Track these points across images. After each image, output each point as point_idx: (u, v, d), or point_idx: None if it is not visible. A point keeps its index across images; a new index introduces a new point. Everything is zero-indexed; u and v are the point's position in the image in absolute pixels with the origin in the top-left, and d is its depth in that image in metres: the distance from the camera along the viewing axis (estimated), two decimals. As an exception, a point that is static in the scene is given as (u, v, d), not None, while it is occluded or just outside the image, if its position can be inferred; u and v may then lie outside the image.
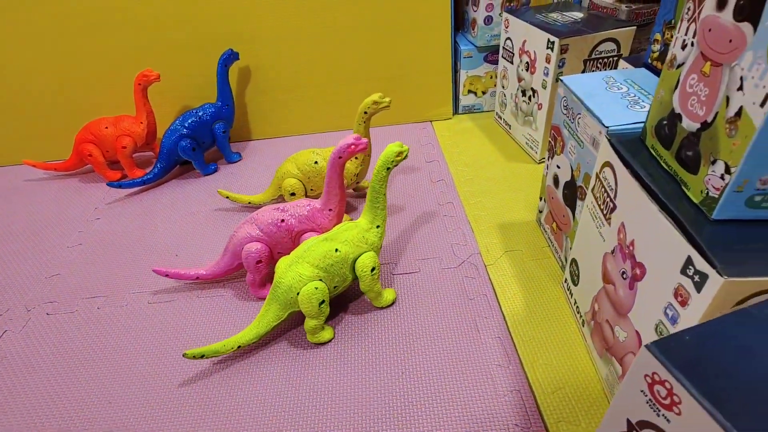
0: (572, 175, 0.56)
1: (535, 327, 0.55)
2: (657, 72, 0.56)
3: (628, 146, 0.43)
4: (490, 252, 0.67)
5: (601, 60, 0.75)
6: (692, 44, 0.35)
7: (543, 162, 0.85)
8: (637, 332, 0.40)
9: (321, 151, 0.72)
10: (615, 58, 0.76)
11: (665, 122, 0.39)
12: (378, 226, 0.57)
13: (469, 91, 1.02)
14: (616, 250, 0.43)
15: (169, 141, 0.84)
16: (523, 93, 0.86)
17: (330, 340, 0.56)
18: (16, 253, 0.75)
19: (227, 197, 0.77)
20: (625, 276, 0.41)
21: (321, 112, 1.01)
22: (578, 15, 0.80)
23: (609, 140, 0.45)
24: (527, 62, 0.82)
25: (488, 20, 0.92)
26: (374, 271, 0.55)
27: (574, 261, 0.55)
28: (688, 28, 0.36)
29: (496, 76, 1.01)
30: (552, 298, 0.59)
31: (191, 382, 0.53)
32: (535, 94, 0.82)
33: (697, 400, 0.22)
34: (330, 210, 0.61)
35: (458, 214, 0.75)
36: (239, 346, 0.53)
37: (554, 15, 0.82)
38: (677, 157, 0.37)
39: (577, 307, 0.54)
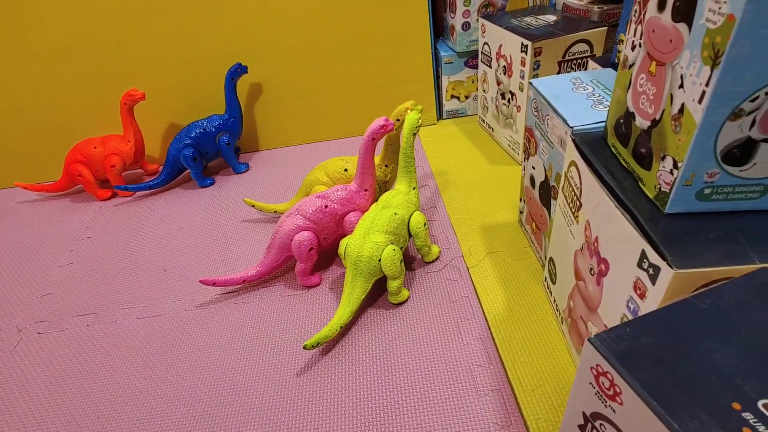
0: (546, 176, 0.57)
1: (517, 326, 0.56)
2: (624, 71, 0.57)
3: (591, 145, 0.44)
4: (472, 254, 0.68)
5: (574, 61, 0.77)
6: (640, 45, 0.37)
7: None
8: (606, 326, 0.41)
9: (350, 159, 0.74)
10: (588, 59, 0.77)
11: (622, 121, 0.40)
12: (414, 188, 0.63)
13: (452, 96, 1.04)
14: (584, 247, 0.44)
15: (174, 149, 0.87)
16: (503, 96, 0.87)
17: (408, 298, 0.61)
18: (8, 274, 0.76)
19: (253, 206, 0.78)
20: (592, 272, 0.42)
21: (310, 123, 1.02)
22: (552, 18, 0.81)
23: (573, 140, 0.46)
24: (504, 66, 0.83)
25: (466, 26, 0.94)
26: (426, 226, 0.62)
27: (551, 260, 0.56)
28: (636, 30, 0.37)
29: (477, 80, 1.02)
30: (533, 298, 0.60)
31: (181, 396, 0.54)
32: (514, 97, 0.83)
33: (634, 390, 0.22)
34: (366, 190, 0.65)
35: (442, 217, 0.76)
36: (341, 327, 0.56)
37: (528, 19, 0.83)
38: (633, 154, 0.39)
39: (557, 304, 0.55)
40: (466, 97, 1.04)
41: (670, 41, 0.32)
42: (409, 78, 1.00)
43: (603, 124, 0.47)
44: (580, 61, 0.77)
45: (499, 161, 0.89)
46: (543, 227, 0.61)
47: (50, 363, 0.59)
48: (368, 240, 0.57)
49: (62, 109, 0.94)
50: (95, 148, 0.87)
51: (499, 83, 0.87)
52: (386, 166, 0.72)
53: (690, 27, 0.30)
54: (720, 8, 0.27)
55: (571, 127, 0.47)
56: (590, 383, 0.26)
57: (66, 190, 0.94)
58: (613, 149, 0.43)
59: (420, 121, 0.63)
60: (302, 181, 0.77)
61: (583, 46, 0.75)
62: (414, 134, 0.62)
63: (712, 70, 0.28)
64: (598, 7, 0.81)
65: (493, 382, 0.50)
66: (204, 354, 0.58)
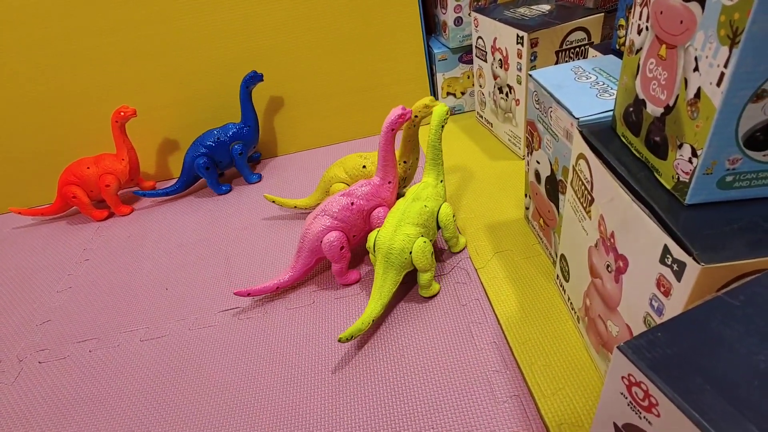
0: (552, 170, 0.55)
1: (531, 328, 0.54)
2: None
3: (600, 136, 0.42)
4: (479, 255, 0.66)
5: (572, 49, 0.75)
6: (647, 28, 0.35)
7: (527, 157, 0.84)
8: (627, 326, 0.39)
9: (368, 155, 0.73)
10: (586, 46, 0.75)
11: (631, 109, 0.39)
12: (442, 181, 0.63)
13: (448, 93, 1.02)
14: (599, 243, 0.42)
15: (189, 157, 0.87)
16: (500, 90, 0.85)
17: (439, 291, 0.61)
18: (5, 302, 0.74)
19: (273, 201, 0.78)
20: (610, 269, 0.40)
21: (310, 128, 1.00)
22: (546, 7, 0.80)
23: (581, 132, 0.44)
24: (500, 59, 0.82)
25: (458, 21, 0.92)
26: (454, 218, 0.62)
27: (563, 257, 0.54)
28: (641, 13, 0.36)
29: (473, 76, 1.00)
30: (546, 297, 0.58)
31: (189, 420, 0.52)
32: (512, 91, 0.81)
33: (673, 401, 0.21)
34: (389, 183, 0.65)
35: (446, 218, 0.74)
36: (372, 320, 0.56)
37: (522, 10, 0.81)
38: (647, 144, 0.37)
39: (571, 303, 0.53)
40: (463, 94, 1.02)
41: (681, 22, 0.30)
42: (404, 77, 0.98)
43: (610, 113, 0.45)
44: (578, 49, 0.75)
45: (500, 156, 0.87)
46: (551, 223, 0.59)
47: (53, 393, 0.58)
48: (399, 232, 0.57)
49: (51, 130, 0.92)
50: (88, 168, 0.86)
51: (495, 77, 0.86)
52: (405, 162, 0.70)
53: (703, 6, 0.28)
54: (736, -17, 0.25)
55: (577, 119, 0.45)
56: (621, 393, 0.24)
57: (61, 212, 0.92)
58: (623, 139, 0.41)
59: (448, 113, 0.63)
60: (320, 179, 0.76)
61: (581, 34, 0.73)
62: (442, 127, 0.62)
63: (731, 50, 0.26)
64: (592, -6, 0.80)
65: (511, 388, 0.48)
66: (211, 374, 0.56)
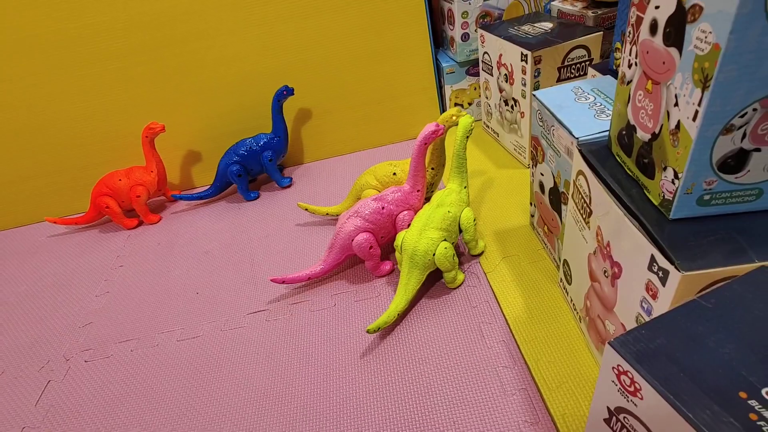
0: (555, 182, 0.60)
1: (537, 327, 0.59)
2: (622, 77, 0.60)
3: (597, 155, 0.47)
4: (488, 259, 0.71)
5: (573, 66, 0.80)
6: (636, 64, 0.40)
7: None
8: (623, 325, 0.44)
9: (398, 163, 0.79)
10: (586, 63, 0.80)
11: (624, 132, 0.43)
12: (465, 187, 0.68)
13: (456, 104, 1.07)
14: (597, 251, 0.47)
15: (223, 165, 0.94)
16: (506, 102, 0.90)
17: (463, 281, 0.67)
18: (48, 306, 0.81)
19: (306, 209, 0.84)
20: (606, 274, 0.45)
21: (331, 138, 1.06)
22: (548, 25, 0.84)
23: (580, 151, 0.49)
24: (506, 74, 0.87)
25: (465, 37, 0.97)
26: (475, 222, 0.67)
27: (565, 261, 0.58)
28: (631, 50, 0.40)
29: (479, 87, 1.05)
30: (550, 298, 0.63)
31: (227, 412, 0.57)
32: (517, 104, 0.86)
33: (653, 387, 0.26)
34: (418, 191, 0.71)
35: (456, 225, 0.79)
36: (398, 314, 0.61)
37: (525, 27, 0.86)
38: (637, 164, 0.42)
39: (573, 304, 0.58)
40: (469, 104, 1.07)
41: (663, 63, 0.35)
42: (414, 89, 1.03)
43: (606, 133, 0.50)
44: (578, 65, 0.80)
45: (507, 165, 0.92)
46: (555, 230, 0.64)
47: (101, 389, 0.63)
48: (424, 236, 0.62)
49: (85, 145, 0.98)
50: (120, 180, 0.92)
51: (501, 90, 0.91)
52: (432, 168, 0.76)
53: (681, 52, 0.33)
54: (706, 37, 0.30)
55: (577, 138, 0.50)
56: (613, 381, 0.29)
57: (94, 221, 0.98)
58: (617, 158, 0.46)
59: (473, 124, 0.68)
60: (351, 186, 0.81)
61: (581, 51, 0.78)
62: (467, 137, 0.67)
63: (702, 92, 0.31)
64: (592, 12, 0.84)
65: (519, 382, 0.53)
66: (242, 371, 0.62)
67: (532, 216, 0.73)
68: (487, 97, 0.98)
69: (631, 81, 0.41)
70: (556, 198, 0.61)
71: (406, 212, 0.70)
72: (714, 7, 0.29)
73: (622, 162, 0.45)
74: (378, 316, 0.65)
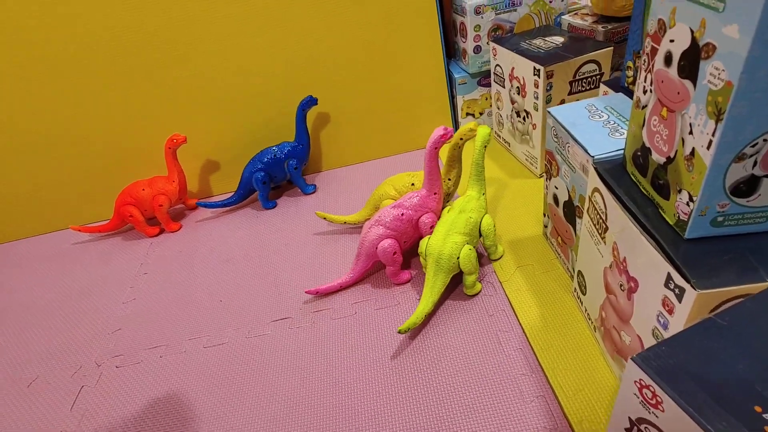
0: (569, 196, 0.62)
1: (553, 335, 0.61)
2: (632, 95, 0.62)
3: (612, 173, 0.50)
4: (503, 269, 0.73)
5: (585, 80, 0.82)
6: (650, 91, 0.42)
7: (543, 176, 0.91)
8: (638, 337, 0.46)
9: (416, 174, 0.82)
10: (597, 77, 0.82)
11: (639, 153, 0.46)
12: (483, 194, 0.71)
13: (468, 114, 1.09)
14: (613, 265, 0.49)
15: (248, 172, 0.97)
16: (518, 114, 0.92)
17: (481, 291, 0.70)
18: (77, 313, 0.84)
19: (324, 218, 0.87)
20: (623, 288, 0.47)
21: (345, 147, 1.09)
22: (559, 39, 0.87)
23: (596, 169, 0.51)
24: (518, 87, 0.89)
25: (477, 49, 0.99)
26: (494, 227, 0.70)
27: (580, 273, 0.61)
28: (646, 77, 0.43)
29: (490, 97, 1.07)
30: (565, 307, 0.65)
31: (255, 415, 0.60)
32: (529, 116, 0.88)
33: (674, 400, 0.28)
34: (435, 193, 0.73)
35: (470, 235, 0.81)
36: (425, 315, 0.65)
37: (537, 41, 0.88)
38: (652, 184, 0.44)
39: (588, 314, 0.60)
40: (481, 114, 1.10)
41: (678, 93, 0.37)
42: (426, 100, 1.05)
43: (621, 152, 0.52)
44: (590, 79, 0.82)
45: (518, 175, 0.94)
46: (569, 242, 0.66)
47: (134, 394, 0.66)
48: (448, 240, 0.66)
49: (109, 154, 1.02)
50: (143, 190, 0.95)
51: (513, 102, 0.93)
52: (449, 179, 0.79)
53: (695, 84, 0.35)
54: (719, 74, 0.32)
55: (593, 156, 0.53)
56: (635, 394, 0.31)
57: (117, 229, 1.01)
58: (632, 177, 0.48)
59: (491, 135, 0.70)
60: (368, 194, 0.85)
61: (592, 66, 0.80)
62: (485, 146, 0.70)
63: (716, 124, 0.33)
64: (602, 27, 0.86)
65: (537, 390, 0.56)
66: (268, 377, 0.64)
67: (545, 226, 0.75)
68: (498, 108, 1.01)
69: (646, 106, 0.43)
70: (571, 211, 0.63)
71: (426, 215, 0.73)
72: (726, 47, 0.31)
73: (637, 181, 0.47)
74: (398, 324, 0.68)
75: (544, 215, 0.75)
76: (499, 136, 1.05)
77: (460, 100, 1.07)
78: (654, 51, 0.41)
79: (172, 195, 0.96)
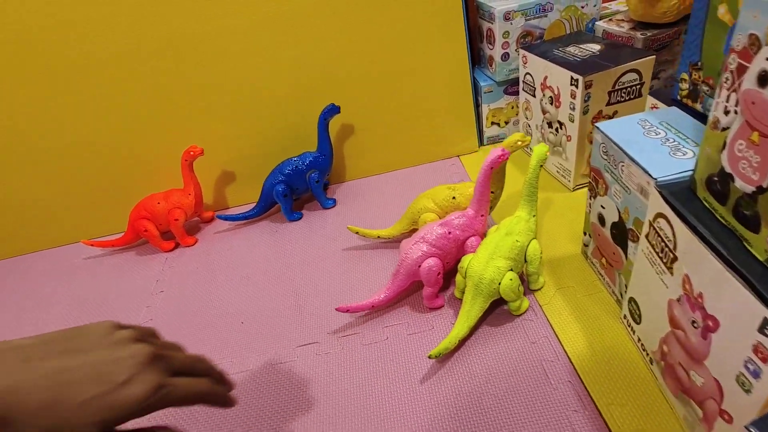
0: (620, 217, 0.58)
1: (603, 367, 0.57)
2: (688, 110, 0.59)
3: (680, 198, 0.46)
4: (542, 291, 0.69)
5: (624, 90, 0.78)
6: (735, 112, 0.38)
7: (578, 189, 0.88)
8: (716, 380, 0.42)
9: (457, 187, 0.78)
10: (638, 87, 0.78)
11: (716, 178, 0.42)
12: (534, 215, 0.68)
13: (493, 123, 1.05)
14: (682, 299, 0.45)
15: (269, 184, 0.93)
16: (549, 125, 0.89)
17: (528, 308, 0.66)
18: (92, 334, 0.80)
19: (356, 232, 0.83)
20: (696, 325, 0.43)
21: (371, 155, 1.05)
22: (595, 47, 0.83)
23: (660, 192, 0.47)
24: (551, 97, 0.85)
25: (505, 57, 0.96)
26: (541, 254, 0.67)
27: (632, 300, 0.57)
28: (729, 96, 0.39)
29: (516, 106, 1.04)
30: (613, 335, 0.61)
31: (283, 453, 0.56)
32: (563, 127, 0.84)
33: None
34: (482, 215, 0.71)
35: (504, 253, 0.78)
36: (459, 340, 0.61)
37: (571, 49, 0.84)
38: (734, 214, 0.40)
39: (642, 344, 0.56)
40: (506, 123, 1.06)
41: (778, 118, 0.34)
42: (451, 108, 1.02)
43: (687, 174, 0.48)
44: (630, 89, 0.78)
45: (549, 188, 0.90)
46: (617, 265, 0.62)
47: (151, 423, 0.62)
48: (491, 264, 0.62)
49: (122, 166, 0.98)
50: (159, 203, 0.91)
51: (545, 112, 0.89)
52: (492, 192, 0.75)
53: (804, 109, 0.31)
54: (843, 100, 0.28)
55: (655, 179, 0.49)
56: (750, 467, 0.27)
57: (131, 244, 0.97)
58: (705, 203, 0.44)
59: (548, 154, 0.67)
60: (406, 210, 0.81)
61: (633, 75, 0.76)
62: (541, 166, 0.66)
63: (836, 156, 0.29)
64: (641, 34, 0.83)
65: (591, 428, 0.52)
66: (297, 408, 0.60)
67: (586, 246, 0.72)
68: (527, 118, 0.97)
69: (728, 128, 0.39)
70: (621, 233, 0.59)
71: (473, 238, 0.69)
72: None
73: (711, 208, 0.43)
74: (444, 338, 0.64)
75: (585, 233, 0.71)
76: (530, 148, 1.01)
77: (485, 109, 1.03)
78: (742, 69, 0.37)
79: (188, 209, 0.93)
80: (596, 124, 0.59)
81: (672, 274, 0.46)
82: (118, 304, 0.85)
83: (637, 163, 0.51)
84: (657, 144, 0.53)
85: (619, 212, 0.58)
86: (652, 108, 0.67)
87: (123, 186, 1.00)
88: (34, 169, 0.97)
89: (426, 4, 0.91)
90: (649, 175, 0.49)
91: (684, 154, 0.50)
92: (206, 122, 0.96)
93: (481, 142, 1.08)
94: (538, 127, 0.93)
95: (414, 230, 0.83)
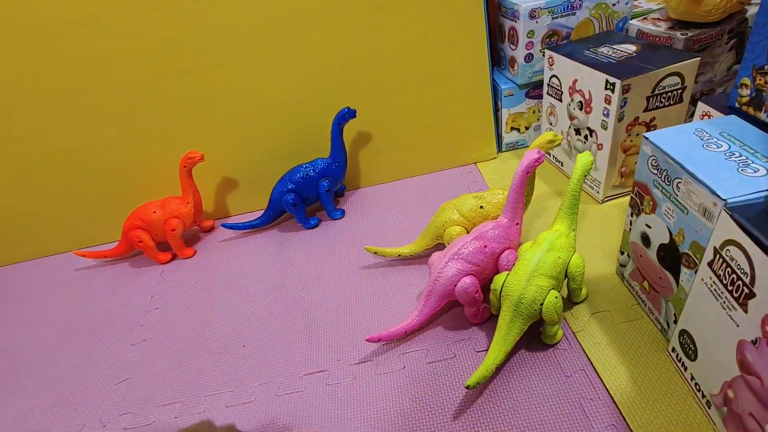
0: (672, 239, 0.52)
1: (651, 408, 0.51)
2: (749, 119, 0.52)
3: (757, 223, 0.39)
4: (575, 316, 0.63)
5: (664, 95, 0.71)
6: None
7: (607, 201, 0.81)
8: (806, 443, 0.35)
9: (483, 195, 0.71)
10: (679, 91, 0.71)
11: (810, 204, 0.35)
12: (574, 230, 0.61)
13: (512, 128, 0.99)
14: (760, 343, 0.39)
15: (277, 192, 0.87)
16: (577, 132, 0.82)
17: (562, 338, 0.60)
18: (79, 357, 0.73)
19: (375, 252, 0.76)
20: (779, 375, 0.37)
21: (381, 163, 0.98)
22: (631, 48, 0.76)
23: (731, 216, 0.41)
24: (580, 101, 0.78)
25: (529, 58, 0.89)
26: (584, 268, 0.61)
27: (685, 333, 0.50)
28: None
29: (538, 111, 0.97)
30: (659, 370, 0.54)
31: (289, 503, 0.50)
32: (593, 134, 0.78)
33: None
34: (517, 224, 0.65)
35: (530, 271, 0.71)
36: (495, 367, 0.55)
37: (604, 50, 0.78)
38: (837, 248, 0.33)
39: (697, 384, 0.49)
40: (527, 128, 0.99)
41: None
42: (469, 112, 0.95)
43: (761, 194, 0.42)
44: (670, 94, 0.71)
45: (576, 199, 0.83)
46: (663, 291, 0.56)
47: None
48: (532, 283, 0.56)
49: (117, 172, 0.92)
50: (154, 212, 0.85)
51: (572, 118, 0.82)
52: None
53: None
54: None
55: (725, 200, 0.42)
56: None
57: (124, 255, 0.91)
58: (790, 231, 0.37)
59: (593, 163, 0.62)
60: (429, 223, 0.74)
61: (674, 79, 0.70)
62: (585, 176, 0.60)
63: None
64: (681, 34, 0.76)
65: (644, 484, 0.45)
66: (306, 450, 0.54)
67: (623, 266, 0.65)
68: (551, 124, 0.90)
69: (831, 144, 0.33)
70: (672, 257, 0.52)
71: (508, 251, 0.63)
72: None
73: (801, 238, 0.36)
74: (458, 381, 0.57)
75: (622, 252, 0.64)
76: (549, 154, 0.94)
77: (504, 114, 0.96)
78: None
79: (187, 218, 0.86)
80: (646, 135, 0.53)
81: (746, 311, 0.40)
82: (110, 322, 0.79)
83: (700, 181, 0.45)
84: (720, 158, 0.46)
85: (671, 234, 0.52)
86: (703, 116, 0.60)
87: (118, 193, 0.94)
88: (23, 173, 0.90)
89: (445, 3, 0.84)
90: (717, 195, 0.43)
91: (755, 171, 0.44)
92: (209, 125, 0.90)
93: (499, 149, 1.02)
94: (564, 133, 0.86)
95: (439, 245, 0.76)
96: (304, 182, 0.86)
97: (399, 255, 0.76)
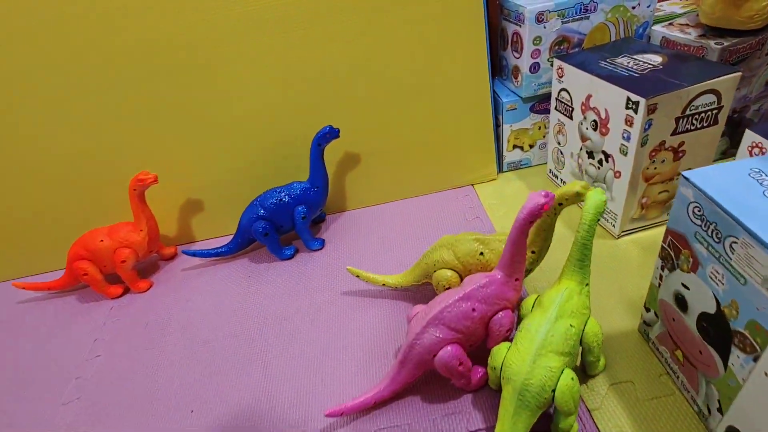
0: (719, 310, 0.41)
1: None
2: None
3: None
4: (591, 387, 0.52)
5: (696, 116, 0.60)
6: None
7: (624, 236, 0.70)
8: None
9: (485, 240, 0.59)
10: (715, 112, 0.60)
11: None
12: (587, 285, 0.50)
13: (515, 146, 0.88)
14: None
15: (246, 219, 0.76)
16: (590, 155, 0.71)
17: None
18: (4, 418, 0.62)
19: (358, 276, 0.67)
20: None
21: (370, 184, 0.87)
22: (656, 59, 0.65)
23: (818, 303, 0.29)
24: (594, 121, 0.67)
25: (534, 68, 0.78)
26: (602, 336, 0.50)
27: (734, 430, 0.39)
28: None
29: (545, 126, 0.86)
30: (698, 469, 0.43)
31: None
32: (609, 159, 0.66)
33: None
34: (516, 280, 0.52)
35: (535, 324, 0.60)
36: None
37: (623, 60, 0.67)
38: None
39: (752, 501, 0.38)
40: (531, 147, 0.88)
41: None
42: (467, 128, 0.84)
43: None
44: (704, 115, 0.60)
45: (588, 232, 0.72)
46: (704, 369, 0.44)
47: None
48: (539, 365, 0.44)
49: (62, 192, 0.81)
50: (102, 241, 0.73)
51: (584, 139, 0.71)
52: (533, 252, 0.56)
53: None
54: None
55: (807, 279, 0.31)
56: None
57: (69, 288, 0.80)
58: None
59: (606, 204, 0.52)
60: (421, 257, 0.64)
61: (710, 98, 0.59)
62: (597, 220, 0.49)
63: None
64: (716, 43, 0.65)
65: None
66: None
67: (648, 324, 0.54)
68: (559, 143, 0.79)
69: None
70: (720, 332, 0.41)
71: (503, 313, 0.51)
72: None
73: None
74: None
75: (647, 309, 0.53)
76: (556, 177, 0.83)
77: (506, 130, 0.85)
78: None
79: (139, 247, 0.75)
80: (685, 174, 0.41)
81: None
82: (42, 374, 0.67)
83: (765, 244, 0.34)
84: (791, 213, 0.35)
85: (719, 303, 0.40)
86: (752, 148, 0.49)
87: (62, 216, 0.82)
88: (-44, 192, 0.79)
89: (439, 3, 0.73)
90: (794, 269, 0.32)
91: (844, 236, 0.33)
92: (173, 139, 0.78)
93: (500, 169, 0.90)
94: (574, 155, 0.75)
95: (426, 284, 0.65)
96: (276, 209, 0.75)
97: (383, 284, 0.65)
